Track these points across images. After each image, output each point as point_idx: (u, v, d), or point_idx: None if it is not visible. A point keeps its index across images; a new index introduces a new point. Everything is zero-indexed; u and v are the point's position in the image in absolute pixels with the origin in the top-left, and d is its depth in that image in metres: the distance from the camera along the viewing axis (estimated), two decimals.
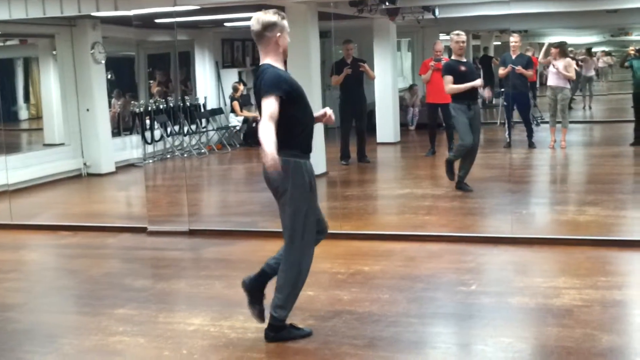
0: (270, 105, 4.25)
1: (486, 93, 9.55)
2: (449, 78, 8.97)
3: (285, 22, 4.49)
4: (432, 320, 5.10)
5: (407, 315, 5.08)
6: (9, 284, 6.42)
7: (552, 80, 12.20)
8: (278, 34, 4.44)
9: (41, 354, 4.74)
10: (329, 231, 7.41)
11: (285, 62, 4.61)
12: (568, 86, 12.60)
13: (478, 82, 8.93)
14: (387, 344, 4.58)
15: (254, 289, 4.70)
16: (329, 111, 4.75)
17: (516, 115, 12.75)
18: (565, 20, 16.57)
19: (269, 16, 4.43)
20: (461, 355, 4.39)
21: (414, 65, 19.17)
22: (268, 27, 4.42)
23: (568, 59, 12.59)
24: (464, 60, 9.09)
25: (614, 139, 13.86)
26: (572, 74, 12.49)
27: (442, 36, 16.33)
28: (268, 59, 4.47)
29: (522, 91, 12.16)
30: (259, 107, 4.41)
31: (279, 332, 4.60)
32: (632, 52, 15.04)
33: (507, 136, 12.61)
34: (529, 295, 5.36)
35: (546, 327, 4.74)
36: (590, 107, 18.71)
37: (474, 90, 8.98)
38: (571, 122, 13.22)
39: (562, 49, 12.32)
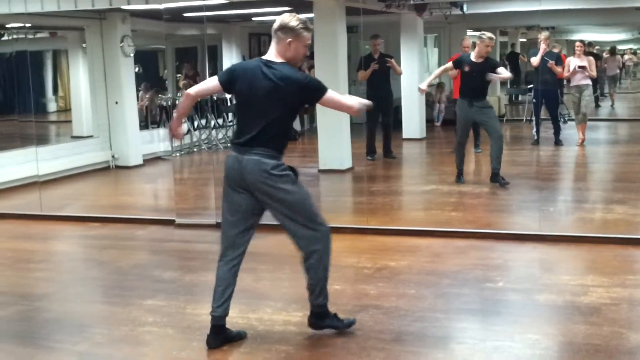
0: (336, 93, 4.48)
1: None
2: (449, 64, 9.60)
3: (304, 33, 4.39)
4: (459, 316, 5.11)
5: (433, 311, 5.10)
6: (39, 273, 6.52)
7: (576, 79, 12.14)
8: (289, 40, 4.35)
9: (72, 343, 4.81)
10: (355, 226, 7.51)
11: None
12: (591, 83, 12.59)
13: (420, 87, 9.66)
14: (414, 338, 4.61)
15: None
16: None
17: (543, 113, 12.68)
18: (593, 17, 16.44)
19: (289, 18, 4.39)
20: (488, 352, 4.39)
21: (440, 61, 19.09)
22: (282, 28, 4.37)
23: (590, 58, 12.58)
24: (479, 61, 9.10)
25: None
26: (595, 72, 12.52)
27: (470, 32, 16.28)
28: (274, 57, 4.42)
29: (552, 88, 12.12)
30: (269, 101, 4.35)
31: (324, 319, 4.66)
32: None
33: (534, 133, 12.54)
34: (556, 293, 5.35)
35: (573, 325, 4.73)
36: (612, 106, 18.55)
37: (478, 88, 9.16)
38: (597, 119, 13.15)
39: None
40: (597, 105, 15.40)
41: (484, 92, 9.34)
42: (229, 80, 4.50)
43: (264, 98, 4.35)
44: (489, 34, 9.09)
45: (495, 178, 9.14)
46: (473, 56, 9.18)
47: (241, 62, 4.64)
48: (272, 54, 4.42)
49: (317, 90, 4.40)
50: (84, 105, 13.05)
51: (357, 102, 4.54)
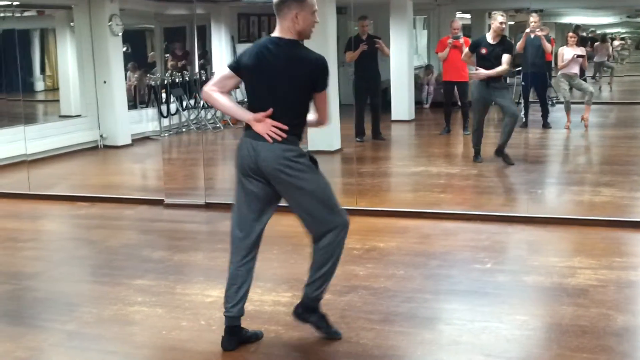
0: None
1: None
2: (466, 50, 9.73)
3: (309, 1, 4.05)
4: (447, 297, 5.14)
5: (422, 292, 5.13)
6: (27, 252, 6.50)
7: (570, 68, 12.15)
8: (295, 12, 4.00)
9: (61, 322, 4.81)
10: (344, 207, 7.52)
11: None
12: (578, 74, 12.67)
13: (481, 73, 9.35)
14: (403, 319, 4.63)
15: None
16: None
17: (531, 96, 12.71)
18: (582, 0, 16.47)
19: None
20: (476, 332, 4.42)
21: (429, 43, 19.09)
22: (284, 2, 4.02)
23: (583, 48, 12.66)
24: (495, 41, 9.26)
25: (630, 120, 13.81)
26: (586, 63, 12.66)
27: (459, 14, 16.26)
28: (292, 36, 4.09)
29: (541, 70, 12.14)
30: (281, 82, 4.04)
31: (312, 314, 4.38)
32: None
33: (523, 116, 12.56)
34: (544, 274, 5.39)
35: (561, 306, 4.77)
36: (600, 89, 18.59)
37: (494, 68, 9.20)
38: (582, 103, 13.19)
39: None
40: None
41: None
42: (238, 62, 4.16)
43: (274, 79, 4.03)
44: (501, 13, 9.31)
45: (500, 153, 9.31)
46: (490, 37, 9.32)
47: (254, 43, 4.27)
48: (280, 32, 4.08)
49: (326, 77, 4.08)
50: (71, 84, 12.98)
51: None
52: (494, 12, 9.35)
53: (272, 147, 4.04)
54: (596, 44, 19.72)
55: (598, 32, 21.83)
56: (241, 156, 4.14)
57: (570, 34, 12.75)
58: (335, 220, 4.21)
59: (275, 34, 4.11)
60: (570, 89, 12.39)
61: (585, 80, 13.51)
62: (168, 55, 15.78)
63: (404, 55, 13.82)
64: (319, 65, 4.06)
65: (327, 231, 4.20)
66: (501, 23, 9.17)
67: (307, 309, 4.37)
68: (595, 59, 19.40)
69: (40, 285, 5.58)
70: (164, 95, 13.51)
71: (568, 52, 12.13)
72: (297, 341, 4.36)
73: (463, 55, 9.96)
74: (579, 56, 11.97)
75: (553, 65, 15.78)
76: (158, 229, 7.31)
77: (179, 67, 14.86)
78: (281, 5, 4.05)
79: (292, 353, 4.24)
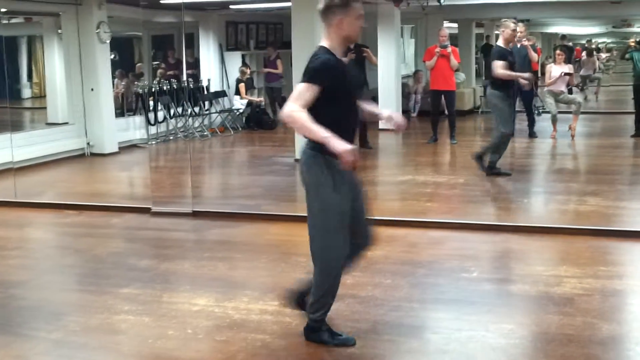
0: (304, 92, 3.93)
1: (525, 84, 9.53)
2: (499, 63, 8.92)
3: (353, 4, 4.06)
4: (434, 305, 5.15)
5: (409, 300, 5.14)
6: (13, 261, 6.47)
7: (557, 85, 12.22)
8: (339, 17, 4.03)
9: (47, 331, 4.79)
10: None
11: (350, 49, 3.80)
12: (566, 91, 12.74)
13: (526, 75, 9.42)
14: (390, 328, 4.64)
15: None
16: (395, 117, 4.47)
17: (517, 105, 12.79)
18: (568, 10, 16.60)
19: None
20: (463, 341, 4.43)
21: (416, 52, 19.17)
22: (329, 8, 4.07)
23: (571, 65, 12.77)
24: (511, 49, 9.33)
25: (615, 130, 13.89)
26: (574, 80, 12.74)
27: (447, 23, 16.35)
28: (324, 42, 4.12)
29: None
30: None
31: (315, 332, 4.42)
32: (633, 44, 15.07)
33: None
34: (530, 283, 5.41)
35: (547, 315, 4.79)
36: (586, 99, 18.74)
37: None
38: (569, 112, 13.27)
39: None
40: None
41: None
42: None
43: None
44: (512, 20, 9.28)
45: (480, 159, 9.30)
46: (505, 45, 9.12)
47: None
48: (324, 38, 4.13)
49: (305, 72, 4.02)
50: (59, 91, 12.97)
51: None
52: (504, 20, 9.18)
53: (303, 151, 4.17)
54: (583, 58, 19.92)
55: (583, 42, 21.95)
56: None
57: (558, 51, 12.91)
58: (317, 257, 4.22)
59: (321, 42, 4.16)
60: (557, 102, 12.50)
61: (571, 91, 13.63)
62: (157, 62, 15.79)
63: (391, 64, 13.90)
64: (305, 66, 4.05)
65: (314, 267, 4.26)
66: (513, 30, 9.09)
67: (311, 330, 4.43)
68: (582, 72, 19.62)
69: (26, 294, 5.55)
70: (151, 103, 13.50)
71: (555, 70, 12.24)
72: (284, 350, 4.35)
73: (499, 68, 8.91)
74: (566, 74, 12.10)
75: (540, 74, 15.86)
76: (145, 237, 7.29)
77: (171, 75, 14.86)
78: (326, 12, 4.10)
79: None
